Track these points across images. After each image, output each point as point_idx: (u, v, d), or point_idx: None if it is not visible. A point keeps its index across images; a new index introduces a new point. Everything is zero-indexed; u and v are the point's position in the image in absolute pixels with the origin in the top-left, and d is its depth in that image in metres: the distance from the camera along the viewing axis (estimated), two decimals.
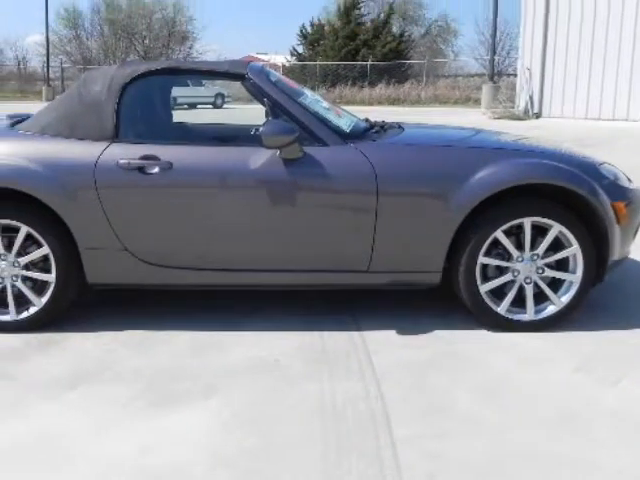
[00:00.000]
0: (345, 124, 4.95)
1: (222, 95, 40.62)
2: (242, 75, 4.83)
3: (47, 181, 4.52)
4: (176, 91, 23.09)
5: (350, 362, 4.17)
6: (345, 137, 4.66)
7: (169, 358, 4.27)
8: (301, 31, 51.89)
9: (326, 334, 4.60)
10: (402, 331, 4.62)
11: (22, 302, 4.70)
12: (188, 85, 36.14)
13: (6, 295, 4.67)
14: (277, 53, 61.10)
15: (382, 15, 51.70)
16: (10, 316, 4.67)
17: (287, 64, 50.51)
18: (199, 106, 37.88)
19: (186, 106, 35.59)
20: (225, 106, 39.82)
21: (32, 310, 4.68)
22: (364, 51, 46.19)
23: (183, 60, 47.59)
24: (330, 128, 4.69)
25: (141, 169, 4.53)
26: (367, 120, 5.69)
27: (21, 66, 69.41)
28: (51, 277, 4.63)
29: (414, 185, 4.53)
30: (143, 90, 5.27)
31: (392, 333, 4.60)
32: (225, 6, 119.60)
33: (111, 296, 5.31)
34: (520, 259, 4.57)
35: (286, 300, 5.22)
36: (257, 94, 4.76)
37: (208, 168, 4.58)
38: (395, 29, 53.01)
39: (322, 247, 4.60)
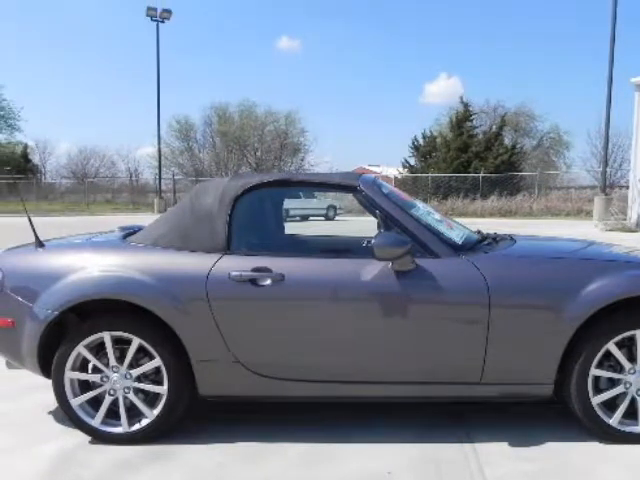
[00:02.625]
0: (457, 236, 5.00)
1: (334, 207, 40.88)
2: (354, 187, 4.90)
3: (159, 293, 4.54)
4: (288, 203, 23.48)
5: (462, 474, 4.13)
6: (457, 249, 4.69)
7: (281, 470, 4.24)
8: (413, 143, 52.51)
9: (438, 445, 4.57)
10: (514, 442, 4.56)
11: (134, 414, 4.69)
12: (300, 197, 36.61)
13: (118, 407, 4.67)
14: (389, 165, 61.82)
15: (494, 127, 52.21)
16: (122, 428, 4.66)
17: (399, 176, 50.94)
18: (311, 218, 38.27)
19: (298, 218, 36.03)
20: (337, 218, 40.09)
21: (144, 422, 4.66)
22: (476, 163, 46.37)
23: (295, 172, 48.32)
24: (442, 240, 4.71)
25: (253, 281, 4.55)
26: (479, 232, 5.74)
27: (133, 178, 71.99)
28: (163, 389, 4.62)
29: (526, 297, 4.51)
30: (255, 202, 5.37)
31: (504, 445, 4.55)
32: (337, 118, 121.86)
33: (222, 406, 5.32)
34: (632, 371, 4.51)
35: (398, 411, 5.21)
36: (369, 206, 4.82)
37: (320, 280, 4.58)
38: (507, 141, 53.26)
39: (434, 359, 4.57)
